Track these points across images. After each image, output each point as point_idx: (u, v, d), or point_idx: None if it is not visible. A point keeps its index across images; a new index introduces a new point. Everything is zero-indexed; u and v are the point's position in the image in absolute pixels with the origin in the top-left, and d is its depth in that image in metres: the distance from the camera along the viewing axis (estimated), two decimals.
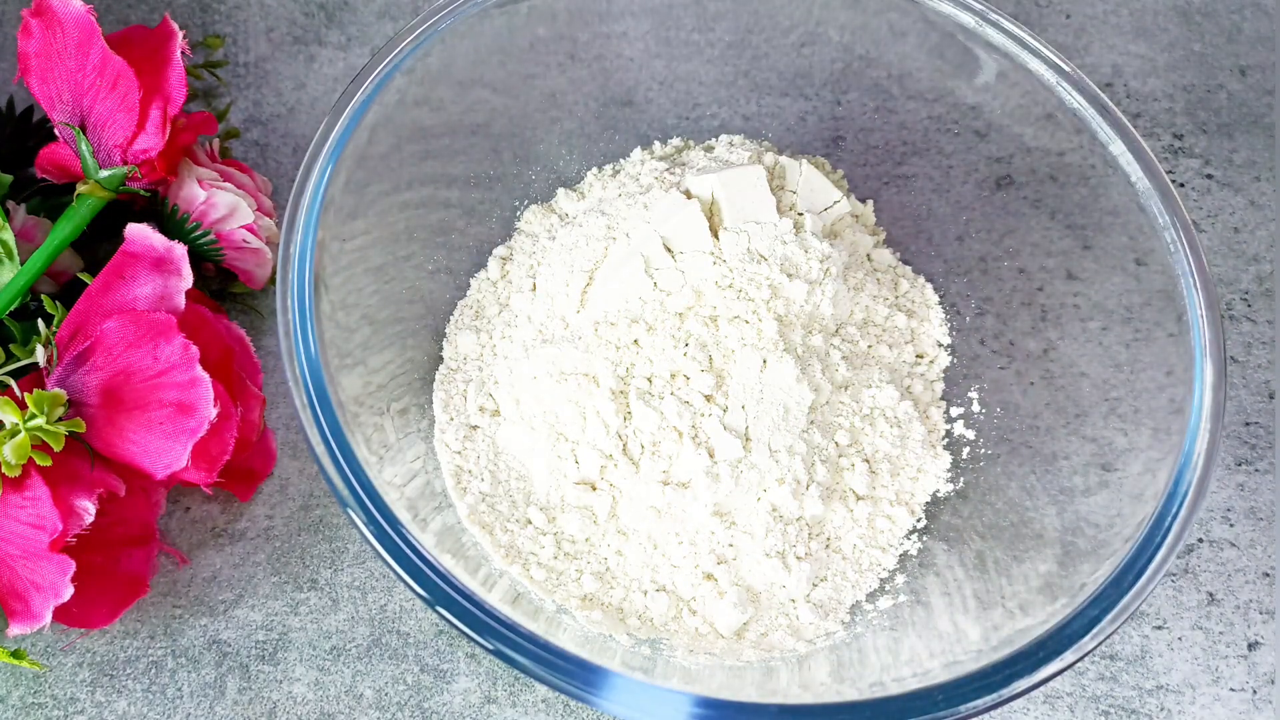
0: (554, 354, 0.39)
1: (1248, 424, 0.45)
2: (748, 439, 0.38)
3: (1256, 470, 0.44)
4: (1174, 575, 0.43)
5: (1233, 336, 0.47)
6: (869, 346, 0.42)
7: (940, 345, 0.43)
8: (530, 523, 0.39)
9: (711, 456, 0.38)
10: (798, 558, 0.38)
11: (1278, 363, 0.46)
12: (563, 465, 0.39)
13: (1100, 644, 0.32)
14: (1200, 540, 0.43)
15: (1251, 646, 0.41)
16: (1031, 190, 0.42)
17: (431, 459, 0.39)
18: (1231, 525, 0.43)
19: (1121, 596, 0.32)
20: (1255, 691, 0.41)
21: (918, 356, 0.43)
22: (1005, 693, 0.30)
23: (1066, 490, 0.38)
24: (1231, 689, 0.41)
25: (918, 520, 0.40)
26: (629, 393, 0.38)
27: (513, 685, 0.40)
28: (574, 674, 0.31)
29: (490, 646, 0.31)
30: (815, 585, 0.38)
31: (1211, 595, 0.42)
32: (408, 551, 0.32)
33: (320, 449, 0.33)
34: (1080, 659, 0.31)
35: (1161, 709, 0.40)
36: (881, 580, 0.39)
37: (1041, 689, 0.40)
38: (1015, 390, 0.41)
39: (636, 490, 0.38)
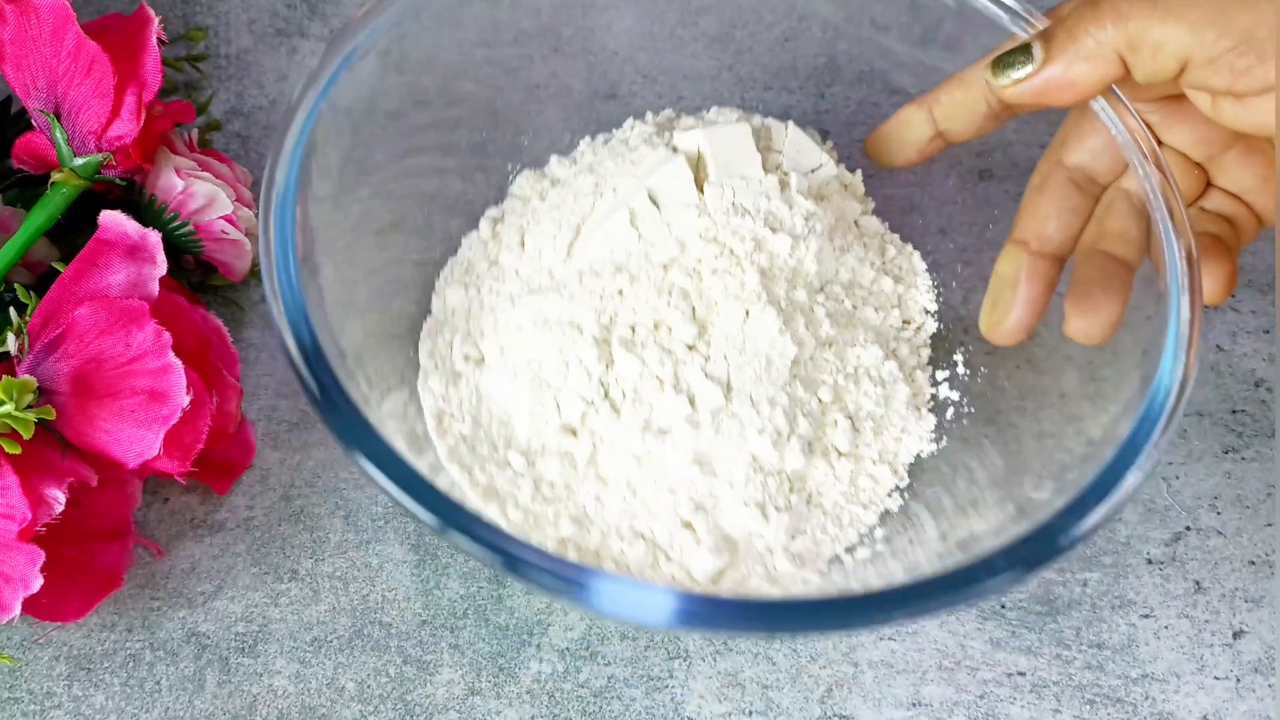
0: (539, 302, 0.39)
1: (1234, 412, 0.45)
2: (729, 388, 0.38)
3: (1243, 458, 0.44)
4: (1161, 563, 0.42)
5: (1218, 326, 0.47)
6: (854, 308, 0.41)
7: (927, 312, 0.43)
8: (509, 465, 0.38)
9: (692, 404, 0.38)
10: (776, 509, 0.38)
11: (1264, 352, 0.46)
12: (544, 411, 0.38)
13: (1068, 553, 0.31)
14: (1187, 529, 0.43)
15: (1237, 635, 0.41)
16: (1013, 184, 0.42)
17: (415, 404, 0.39)
18: (1219, 513, 0.43)
19: (1090, 510, 0.32)
20: (1240, 680, 0.40)
21: (904, 322, 0.43)
22: (967, 593, 0.30)
23: (1049, 465, 0.37)
24: (1216, 677, 0.40)
25: (900, 480, 0.40)
26: (612, 341, 0.38)
27: (496, 676, 0.39)
28: (568, 573, 0.30)
29: (503, 559, 0.30)
30: (794, 537, 0.38)
31: (1198, 584, 0.42)
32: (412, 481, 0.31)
33: (314, 388, 0.32)
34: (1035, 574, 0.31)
35: (1147, 698, 0.40)
36: (860, 535, 0.39)
37: (1028, 677, 0.40)
38: (1000, 372, 0.41)
39: (617, 436, 0.38)
